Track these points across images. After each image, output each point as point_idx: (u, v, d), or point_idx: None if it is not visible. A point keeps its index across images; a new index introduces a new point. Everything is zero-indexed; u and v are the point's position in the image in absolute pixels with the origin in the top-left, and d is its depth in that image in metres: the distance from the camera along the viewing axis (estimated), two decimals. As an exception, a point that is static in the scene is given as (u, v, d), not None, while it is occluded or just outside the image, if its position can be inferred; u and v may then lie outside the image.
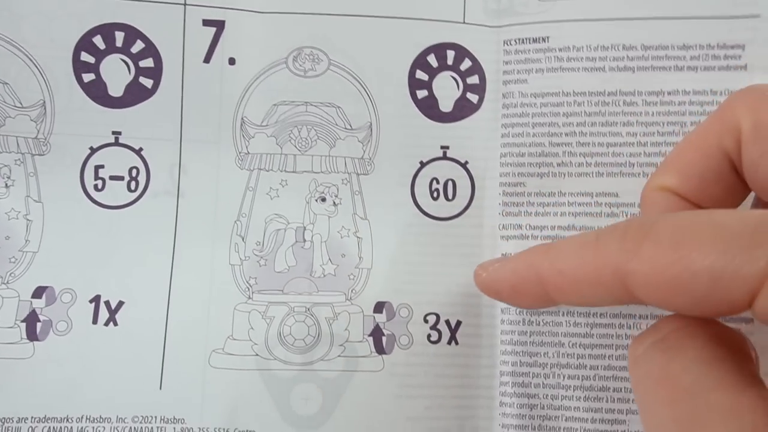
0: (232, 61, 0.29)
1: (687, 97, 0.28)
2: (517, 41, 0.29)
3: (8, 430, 0.26)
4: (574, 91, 0.28)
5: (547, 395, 0.27)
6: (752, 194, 0.24)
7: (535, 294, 0.22)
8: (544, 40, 0.29)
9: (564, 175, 0.28)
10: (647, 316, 0.27)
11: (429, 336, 0.29)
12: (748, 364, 0.18)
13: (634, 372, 0.20)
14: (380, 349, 0.28)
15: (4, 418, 0.27)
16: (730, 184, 0.22)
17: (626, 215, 0.28)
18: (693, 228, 0.17)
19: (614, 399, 0.27)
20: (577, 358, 0.27)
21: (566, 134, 0.28)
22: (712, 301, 0.17)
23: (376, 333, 0.28)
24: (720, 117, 0.22)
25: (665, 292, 0.18)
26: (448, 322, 0.29)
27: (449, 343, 0.29)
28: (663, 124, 0.28)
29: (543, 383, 0.28)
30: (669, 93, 0.28)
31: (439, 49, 0.30)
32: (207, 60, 0.29)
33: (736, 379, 0.17)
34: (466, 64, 0.30)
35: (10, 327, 0.27)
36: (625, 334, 0.27)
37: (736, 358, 0.18)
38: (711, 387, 0.17)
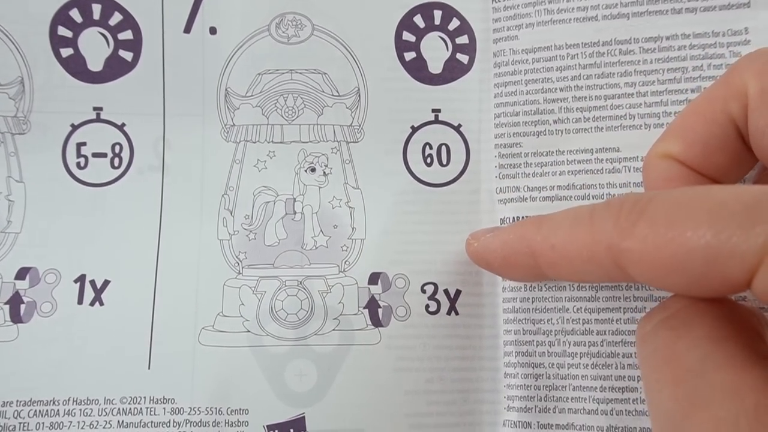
0: (213, 31, 0.28)
1: (687, 41, 0.26)
2: (507, -3, 0.28)
3: (-7, 414, 0.26)
4: (566, 44, 0.27)
5: (552, 364, 0.26)
6: (758, 164, 0.23)
7: (527, 267, 0.22)
8: None
9: (561, 133, 0.27)
10: None
11: (427, 306, 0.27)
12: (756, 342, 0.17)
13: (641, 350, 0.19)
14: (376, 322, 0.27)
15: (-11, 402, 0.26)
16: (736, 152, 0.22)
17: (629, 170, 0.26)
18: (689, 206, 0.17)
19: (624, 365, 0.26)
20: (583, 324, 0.26)
21: (561, 89, 0.27)
22: (709, 280, 0.16)
23: (372, 305, 0.27)
24: (726, 82, 0.21)
25: (660, 272, 0.17)
26: (447, 292, 0.27)
27: (449, 313, 0.27)
28: (663, 72, 0.26)
29: (548, 351, 0.26)
30: (667, 38, 0.27)
31: (426, 9, 0.29)
32: (187, 30, 0.28)
33: (742, 358, 0.16)
34: (454, 23, 0.29)
35: (-6, 309, 0.26)
36: (633, 296, 0.26)
37: (745, 335, 0.17)
38: (716, 366, 0.16)
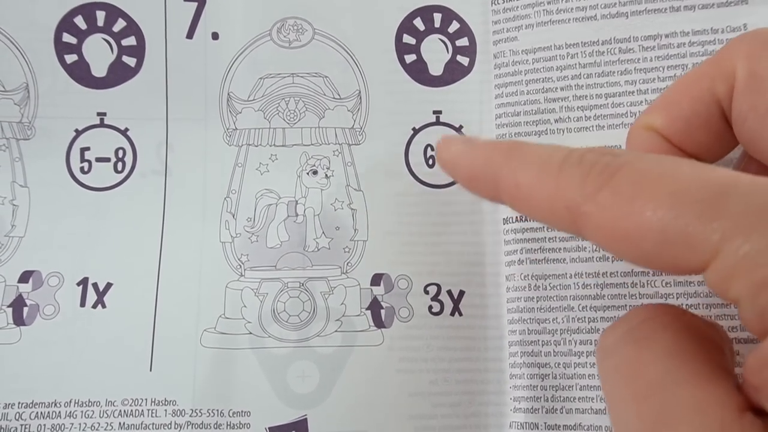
0: (215, 36, 0.29)
1: (686, 38, 0.26)
2: (505, -1, 0.28)
3: (-5, 417, 0.26)
4: (566, 44, 0.27)
5: (559, 364, 0.26)
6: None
7: (489, 192, 0.21)
8: None
9: (563, 132, 0.27)
10: (661, 273, 0.25)
11: (430, 307, 0.27)
12: (718, 356, 0.17)
13: (602, 365, 0.19)
14: (379, 323, 0.27)
15: (-9, 405, 0.26)
16: (718, 132, 0.21)
17: None
18: (654, 183, 0.16)
19: (632, 365, 0.25)
20: (589, 322, 0.26)
21: (562, 89, 0.27)
22: (661, 261, 0.16)
23: (374, 306, 0.27)
24: (716, 61, 0.21)
25: (615, 242, 0.17)
26: (450, 293, 0.27)
27: (452, 314, 0.27)
28: (663, 69, 0.27)
29: (554, 351, 0.26)
30: (666, 36, 0.27)
31: (426, 12, 0.29)
32: (190, 36, 0.28)
33: (705, 373, 0.16)
34: (454, 26, 0.29)
35: (-3, 312, 0.26)
36: (639, 293, 0.25)
37: (707, 350, 0.17)
38: (679, 381, 0.16)
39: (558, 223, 0.19)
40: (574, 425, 0.25)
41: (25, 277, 0.27)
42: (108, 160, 0.28)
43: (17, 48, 0.28)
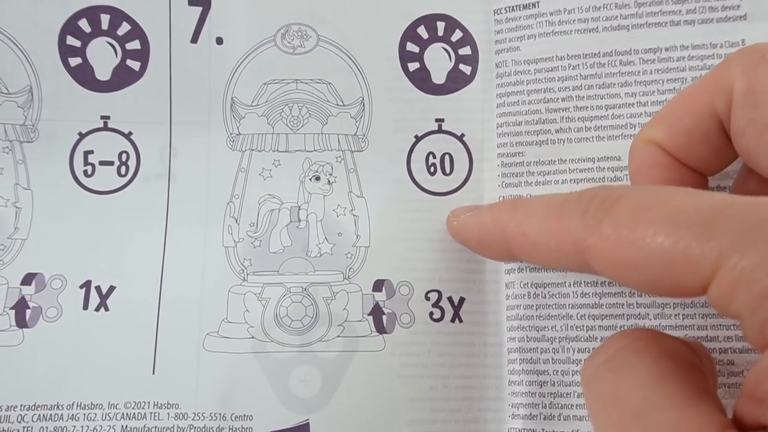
0: (219, 41, 0.29)
1: (686, 52, 0.27)
2: (508, 9, 0.29)
3: (-3, 419, 0.26)
4: (568, 55, 0.28)
5: (557, 371, 0.26)
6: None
7: (500, 249, 0.23)
8: (534, 5, 0.28)
9: (563, 142, 0.27)
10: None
11: (431, 314, 0.27)
12: (697, 377, 0.18)
13: (586, 394, 0.19)
14: (381, 329, 0.27)
15: (-7, 407, 0.26)
16: (718, 146, 0.22)
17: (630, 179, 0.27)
18: (651, 210, 0.17)
19: (628, 372, 0.26)
20: (587, 330, 0.26)
21: (563, 99, 0.28)
22: (665, 285, 0.17)
23: (376, 312, 0.27)
24: (715, 76, 0.22)
25: (621, 271, 0.18)
26: (450, 299, 0.28)
27: (453, 320, 0.27)
28: (662, 82, 0.27)
29: (552, 359, 0.26)
30: (666, 49, 0.27)
31: (429, 21, 0.29)
32: (194, 40, 0.28)
33: (684, 396, 0.17)
34: (457, 35, 0.29)
35: (0, 315, 0.26)
36: (636, 303, 0.26)
37: (685, 371, 0.18)
38: (659, 406, 0.17)
39: (567, 262, 0.20)
40: None
41: (27, 280, 0.27)
42: (111, 163, 0.28)
43: (21, 50, 0.28)
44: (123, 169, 0.28)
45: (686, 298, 0.18)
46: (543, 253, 0.20)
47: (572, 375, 0.26)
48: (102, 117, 0.28)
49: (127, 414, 0.26)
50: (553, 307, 0.26)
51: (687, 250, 0.16)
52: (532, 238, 0.21)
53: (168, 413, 0.26)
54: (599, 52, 0.28)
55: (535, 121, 0.28)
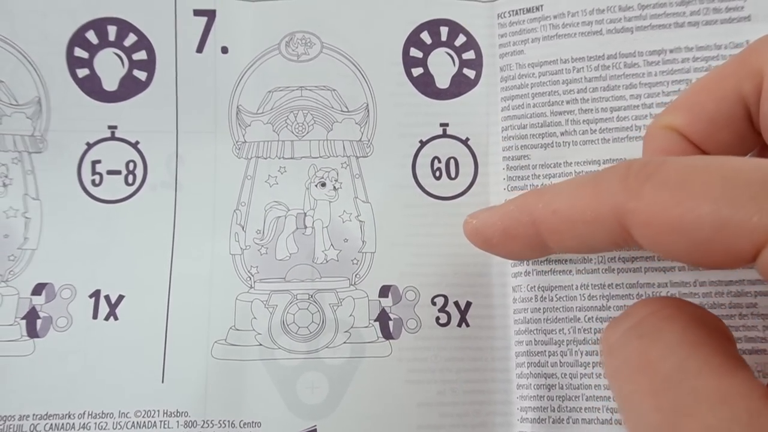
0: (224, 50, 0.29)
1: (690, 54, 0.27)
2: (511, 13, 0.29)
3: (10, 428, 0.26)
4: (572, 58, 0.28)
5: (565, 374, 0.26)
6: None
7: (528, 238, 0.21)
8: (537, 9, 0.28)
9: (569, 145, 0.27)
10: (666, 284, 0.26)
11: (438, 319, 0.27)
12: (729, 345, 0.17)
13: (609, 361, 0.19)
14: (387, 334, 0.27)
15: (6, 416, 0.26)
16: (741, 132, 0.21)
17: None
18: (703, 171, 0.16)
19: (637, 375, 0.25)
20: (594, 333, 0.26)
21: (567, 102, 0.28)
22: (714, 249, 0.16)
23: (383, 317, 0.27)
24: (743, 60, 0.21)
25: (665, 236, 0.17)
26: (457, 304, 0.28)
27: (459, 325, 0.27)
28: (667, 84, 0.27)
29: (560, 362, 0.26)
30: (671, 51, 0.27)
31: (432, 26, 0.29)
32: (200, 50, 0.29)
33: (722, 363, 0.16)
34: (460, 39, 0.29)
35: (10, 324, 0.27)
36: (644, 305, 0.26)
37: (718, 340, 0.17)
38: (695, 372, 0.16)
39: (604, 233, 0.18)
40: (581, 435, 0.26)
41: (38, 290, 0.27)
42: (119, 172, 0.28)
43: (30, 62, 0.28)
44: (130, 178, 0.28)
45: (730, 267, 0.17)
46: (578, 229, 0.19)
47: (580, 378, 0.26)
48: (109, 127, 0.28)
49: (137, 422, 0.26)
50: (561, 310, 0.26)
51: (742, 210, 0.15)
52: (564, 213, 0.19)
53: (177, 421, 0.26)
54: (603, 55, 0.27)
55: (540, 124, 0.28)
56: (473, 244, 0.24)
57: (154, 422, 0.26)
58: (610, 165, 0.19)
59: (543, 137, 0.28)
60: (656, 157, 0.18)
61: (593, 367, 0.26)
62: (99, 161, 0.28)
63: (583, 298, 0.26)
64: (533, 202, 0.21)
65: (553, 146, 0.28)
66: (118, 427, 0.26)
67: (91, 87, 0.28)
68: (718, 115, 0.21)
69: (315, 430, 0.26)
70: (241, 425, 0.26)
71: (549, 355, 0.26)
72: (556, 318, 0.26)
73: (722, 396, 0.15)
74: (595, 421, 0.25)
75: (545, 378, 0.26)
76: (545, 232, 0.20)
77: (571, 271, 0.27)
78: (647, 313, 0.18)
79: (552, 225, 0.20)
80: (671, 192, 0.16)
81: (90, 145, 0.28)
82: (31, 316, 0.27)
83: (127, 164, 0.28)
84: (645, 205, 0.17)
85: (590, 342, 0.26)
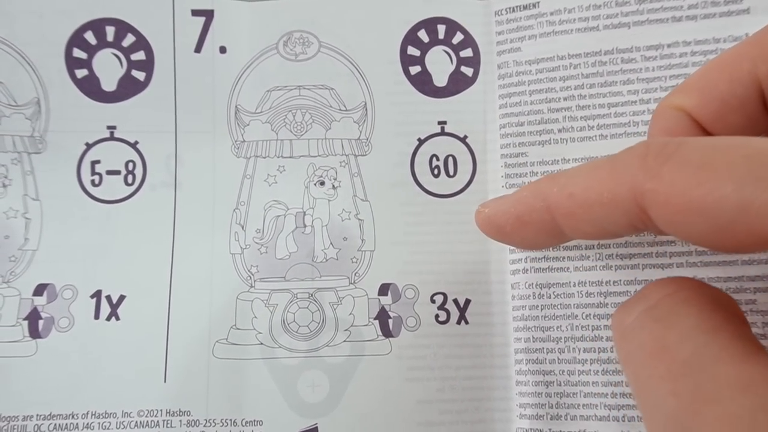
0: (223, 50, 0.29)
1: (688, 48, 0.27)
2: (508, 10, 0.29)
3: (14, 428, 0.26)
4: (569, 54, 0.28)
5: (563, 371, 0.26)
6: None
7: (542, 224, 0.20)
8: (534, 5, 0.28)
9: (566, 141, 0.27)
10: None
11: (437, 316, 0.28)
12: (747, 331, 0.17)
13: (623, 345, 0.18)
14: (387, 332, 0.27)
15: (10, 416, 0.26)
16: (753, 115, 0.21)
17: None
18: (725, 151, 0.16)
19: (635, 371, 0.26)
20: (592, 330, 0.26)
21: (565, 99, 0.28)
22: (736, 230, 0.15)
23: (382, 316, 0.28)
24: (758, 41, 0.20)
25: (685, 217, 0.16)
26: (456, 302, 0.28)
27: (458, 322, 0.28)
28: (665, 79, 0.27)
29: (558, 359, 0.26)
30: (669, 46, 0.27)
31: (430, 24, 0.29)
32: (198, 50, 0.29)
33: (741, 349, 0.16)
34: (458, 37, 0.29)
35: (12, 325, 0.27)
36: (642, 302, 0.26)
37: (734, 323, 0.16)
38: (715, 358, 0.16)
39: (621, 215, 0.18)
40: None
41: (39, 290, 0.27)
42: (118, 172, 0.28)
43: (28, 63, 0.28)
44: (130, 178, 0.28)
45: (752, 250, 0.16)
46: (594, 212, 0.19)
47: (578, 375, 0.26)
48: (108, 127, 0.28)
49: (140, 422, 0.26)
50: (558, 307, 0.27)
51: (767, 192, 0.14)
52: (580, 196, 0.19)
53: (180, 420, 0.26)
54: (600, 51, 0.27)
55: (537, 121, 0.28)
56: (486, 234, 0.23)
57: (157, 422, 0.26)
58: (626, 147, 0.18)
59: (540, 134, 0.28)
60: (670, 137, 0.17)
61: (591, 363, 0.26)
62: (98, 161, 0.28)
63: (580, 295, 0.26)
64: (547, 186, 0.20)
65: (550, 143, 0.28)
66: (122, 426, 0.26)
67: (90, 87, 0.28)
68: (731, 96, 0.20)
69: (316, 428, 0.27)
70: (243, 424, 0.26)
71: (547, 352, 0.26)
72: (553, 315, 0.27)
73: (745, 383, 0.15)
74: (593, 418, 0.26)
75: (543, 375, 0.26)
76: (560, 216, 0.20)
77: (568, 268, 0.27)
78: (663, 296, 0.18)
79: (567, 209, 0.19)
80: (693, 172, 0.16)
81: (89, 146, 0.28)
82: (33, 317, 0.27)
83: (126, 164, 0.28)
84: (665, 186, 0.16)
85: (588, 339, 0.26)
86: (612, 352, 0.26)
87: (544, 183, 0.20)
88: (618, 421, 0.25)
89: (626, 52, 0.27)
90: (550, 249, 0.27)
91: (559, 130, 0.28)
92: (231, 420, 0.26)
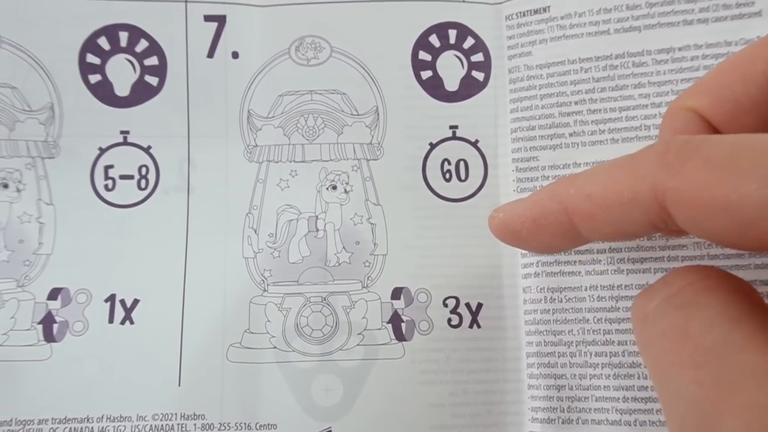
0: (235, 55, 0.29)
1: (700, 51, 0.27)
2: (519, 15, 0.29)
3: (29, 432, 0.26)
4: (579, 58, 0.28)
5: (574, 375, 0.26)
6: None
7: (559, 226, 0.20)
8: (545, 10, 0.28)
9: (577, 145, 0.28)
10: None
11: (449, 320, 0.28)
12: None
13: (644, 332, 0.18)
14: (400, 336, 0.28)
15: (25, 420, 0.26)
16: (767, 115, 0.20)
17: None
18: (749, 148, 0.15)
19: (646, 375, 0.26)
20: (604, 334, 0.26)
21: (576, 103, 0.28)
22: (759, 228, 0.15)
23: (395, 320, 0.28)
24: None
25: (708, 216, 0.16)
26: (468, 305, 0.28)
27: (471, 326, 0.28)
28: (677, 82, 0.27)
29: (570, 363, 0.26)
30: (680, 49, 0.27)
31: (441, 29, 0.29)
32: (210, 55, 0.29)
33: (765, 338, 0.15)
34: (469, 42, 0.29)
35: (27, 329, 0.27)
36: (654, 305, 0.26)
37: (757, 312, 0.16)
38: (739, 348, 0.15)
39: (641, 214, 0.18)
40: (590, 436, 0.26)
41: (53, 294, 0.27)
42: (131, 177, 0.28)
43: (42, 69, 0.28)
44: (143, 183, 0.28)
45: None
46: (613, 213, 0.18)
47: (590, 379, 0.26)
48: (122, 132, 0.29)
49: (155, 426, 0.27)
50: (570, 311, 0.27)
51: None
52: (599, 196, 0.18)
53: (195, 424, 0.27)
54: (611, 54, 0.28)
55: (548, 125, 0.28)
56: (501, 239, 0.23)
57: (172, 425, 0.27)
58: (646, 146, 0.18)
59: (552, 138, 0.28)
60: (695, 136, 0.17)
61: (602, 368, 0.26)
62: (111, 166, 0.28)
63: (592, 299, 0.26)
64: (564, 188, 0.20)
65: (561, 147, 0.28)
66: (136, 430, 0.26)
67: (104, 93, 0.29)
68: (744, 97, 0.20)
69: (330, 431, 0.27)
70: (257, 427, 0.27)
71: (558, 356, 0.27)
72: (565, 319, 0.27)
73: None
74: (605, 422, 0.26)
75: (555, 379, 0.26)
76: (578, 218, 0.19)
77: (580, 272, 0.27)
78: (685, 284, 0.18)
79: (586, 210, 0.19)
80: (716, 169, 0.15)
81: (102, 150, 0.28)
82: (48, 321, 0.27)
83: (139, 169, 0.29)
84: (687, 184, 0.16)
85: (599, 343, 0.26)
86: (623, 356, 0.26)
87: (561, 185, 0.20)
88: (630, 425, 0.25)
89: (637, 55, 0.27)
90: (563, 253, 0.27)
91: (570, 134, 0.28)
92: (245, 424, 0.27)
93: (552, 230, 0.21)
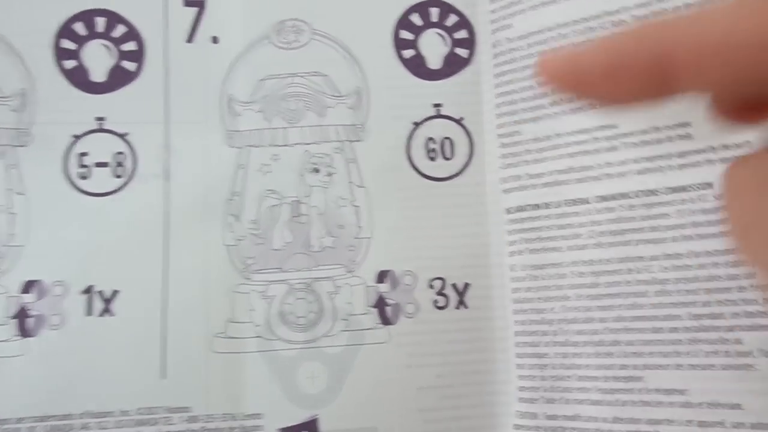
0: (215, 40, 0.28)
1: (681, 1, 0.25)
2: (501, -12, 0.28)
3: None
4: (557, 24, 0.27)
5: (557, 354, 0.26)
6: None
7: (648, 72, 0.15)
8: None
9: (558, 116, 0.27)
10: (659, 257, 0.25)
11: (436, 302, 0.27)
12: None
13: (733, 175, 0.15)
14: (385, 320, 0.27)
15: (2, 419, 0.25)
16: None
17: (626, 146, 0.26)
18: None
19: (627, 353, 0.25)
20: (585, 311, 0.26)
21: (555, 69, 0.27)
22: None
23: (380, 304, 0.27)
24: None
25: None
26: (455, 286, 0.27)
27: (457, 307, 0.27)
28: (658, 44, 0.26)
29: (552, 341, 0.26)
30: (659, 1, 0.26)
31: (422, 8, 0.29)
32: (190, 40, 0.28)
33: None
34: (452, 19, 0.29)
35: (1, 324, 0.26)
36: (636, 279, 0.25)
37: None
38: None
39: None
40: (573, 415, 0.25)
41: (28, 287, 0.26)
42: (106, 164, 0.28)
43: (15, 54, 0.27)
44: (119, 170, 0.28)
45: None
46: (742, 55, 0.14)
47: (572, 357, 0.26)
48: (97, 118, 0.28)
49: (139, 420, 0.26)
50: (552, 288, 0.26)
51: None
52: (721, 34, 0.14)
53: (180, 417, 0.26)
54: (588, 17, 0.27)
55: (531, 98, 0.27)
56: (553, 84, 0.16)
57: (156, 419, 0.26)
58: None
59: (534, 110, 0.27)
60: None
61: (583, 346, 0.26)
62: (86, 154, 0.28)
63: (572, 276, 0.26)
64: (660, 27, 0.15)
65: (543, 119, 0.27)
66: (120, 425, 0.26)
67: (79, 78, 0.28)
68: None
69: (316, 419, 0.26)
70: (243, 417, 0.26)
71: (542, 335, 0.26)
72: (547, 297, 0.26)
73: None
74: (587, 402, 0.25)
75: (539, 358, 0.26)
76: (685, 63, 0.15)
77: (561, 248, 0.26)
78: None
79: (698, 51, 0.14)
80: None
81: (77, 138, 0.28)
82: (22, 315, 0.26)
83: (115, 156, 0.28)
84: None
85: (580, 321, 0.26)
86: (604, 333, 0.25)
87: (654, 24, 0.15)
88: (611, 405, 0.25)
89: (614, 14, 0.26)
90: (543, 229, 0.26)
91: (551, 104, 0.27)
92: (231, 414, 0.26)
93: (637, 76, 0.15)
